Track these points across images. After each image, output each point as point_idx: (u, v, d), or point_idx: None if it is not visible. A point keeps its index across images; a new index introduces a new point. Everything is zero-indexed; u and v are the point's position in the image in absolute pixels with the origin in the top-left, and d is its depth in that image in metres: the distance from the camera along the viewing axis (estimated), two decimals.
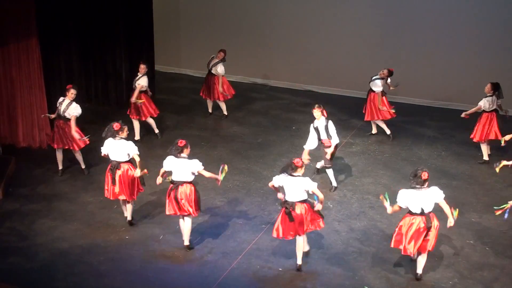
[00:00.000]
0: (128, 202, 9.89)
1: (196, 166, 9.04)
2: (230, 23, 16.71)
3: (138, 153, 9.60)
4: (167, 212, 9.15)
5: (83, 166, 11.67)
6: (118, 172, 9.56)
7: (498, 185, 11.50)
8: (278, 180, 8.54)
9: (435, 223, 8.45)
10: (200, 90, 14.46)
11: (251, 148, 12.78)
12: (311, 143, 10.63)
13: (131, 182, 9.68)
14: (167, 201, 9.12)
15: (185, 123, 14.18)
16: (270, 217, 10.24)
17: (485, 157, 12.28)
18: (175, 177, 9.02)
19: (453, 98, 13.36)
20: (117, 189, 9.63)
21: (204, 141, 13.20)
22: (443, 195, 8.50)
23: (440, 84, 14.17)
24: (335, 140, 10.65)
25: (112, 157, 9.66)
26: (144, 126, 13.48)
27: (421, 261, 8.70)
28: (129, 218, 9.98)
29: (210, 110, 14.72)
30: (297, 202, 8.47)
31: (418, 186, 8.35)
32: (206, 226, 9.97)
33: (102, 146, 9.70)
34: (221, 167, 9.34)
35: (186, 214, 9.07)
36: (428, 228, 8.38)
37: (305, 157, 10.38)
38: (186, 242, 9.27)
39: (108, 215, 10.29)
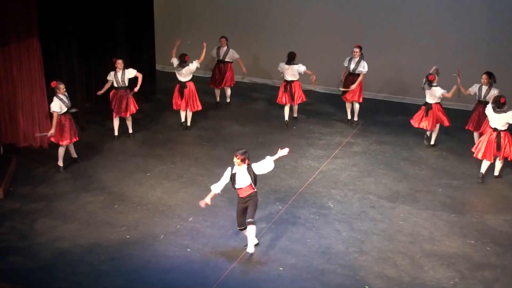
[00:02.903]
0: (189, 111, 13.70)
1: (302, 67, 13.67)
2: (230, 22, 16.68)
3: (198, 64, 13.42)
4: (278, 101, 13.97)
5: (75, 155, 12.03)
6: (186, 90, 13.45)
7: (499, 185, 11.49)
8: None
9: (506, 138, 11.22)
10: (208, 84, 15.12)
11: (251, 147, 12.71)
12: (219, 186, 9.16)
13: (194, 97, 13.52)
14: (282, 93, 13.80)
15: None
16: (270, 217, 10.23)
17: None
18: (288, 78, 13.76)
19: (454, 98, 13.34)
20: (184, 102, 13.47)
21: (204, 141, 13.20)
22: None
23: (442, 85, 14.11)
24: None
25: (180, 79, 13.44)
26: (149, 127, 13.53)
27: (498, 165, 11.59)
28: (188, 124, 13.81)
29: (218, 99, 15.27)
30: (433, 103, 12.50)
31: (498, 109, 11.06)
32: (206, 226, 9.97)
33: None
34: None
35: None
36: (497, 143, 11.19)
37: (208, 200, 9.15)
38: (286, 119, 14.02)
39: (108, 214, 10.28)
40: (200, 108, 13.72)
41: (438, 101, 12.62)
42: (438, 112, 12.70)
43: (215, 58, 14.88)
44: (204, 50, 13.71)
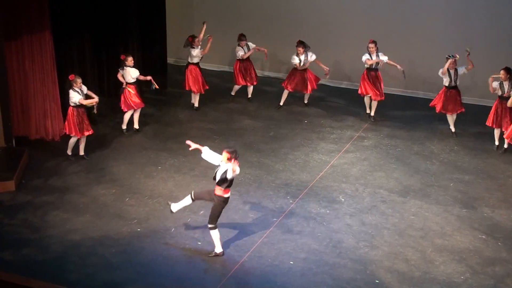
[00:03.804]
0: (196, 93, 14.26)
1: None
2: (243, 16, 16.67)
3: (201, 53, 14.06)
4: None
5: (82, 153, 11.97)
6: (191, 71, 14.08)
7: (511, 179, 11.44)
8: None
9: None
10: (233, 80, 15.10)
11: (263, 141, 12.78)
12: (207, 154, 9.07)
13: (193, 79, 14.09)
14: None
15: (197, 116, 14.20)
16: (281, 211, 10.24)
17: (496, 142, 12.57)
18: None
19: (465, 92, 13.31)
20: (187, 82, 14.15)
21: (216, 135, 13.20)
22: None
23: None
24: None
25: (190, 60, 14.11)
26: (158, 120, 13.55)
27: None
28: (196, 105, 14.40)
29: (233, 93, 15.27)
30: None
31: None
32: None
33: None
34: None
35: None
36: None
37: (194, 146, 9.12)
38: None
39: (120, 207, 10.33)
40: (194, 89, 14.14)
41: None
42: None
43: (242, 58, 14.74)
44: (209, 43, 14.05)
